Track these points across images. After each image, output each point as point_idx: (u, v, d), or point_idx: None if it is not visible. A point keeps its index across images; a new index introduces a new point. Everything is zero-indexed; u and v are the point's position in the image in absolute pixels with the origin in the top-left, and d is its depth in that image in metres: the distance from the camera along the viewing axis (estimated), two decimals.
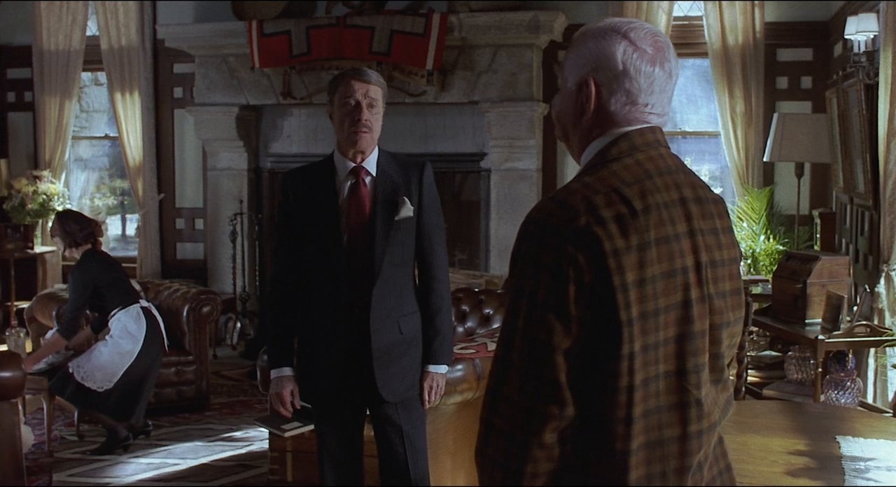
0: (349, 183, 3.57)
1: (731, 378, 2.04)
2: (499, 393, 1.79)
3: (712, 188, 7.69)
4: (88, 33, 9.53)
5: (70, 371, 5.82)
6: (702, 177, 8.19)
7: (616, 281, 1.73)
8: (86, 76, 9.99)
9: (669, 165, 1.89)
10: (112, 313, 5.97)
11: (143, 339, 5.96)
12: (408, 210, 3.55)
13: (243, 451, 5.96)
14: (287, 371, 3.64)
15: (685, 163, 1.97)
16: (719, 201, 1.98)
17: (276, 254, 3.72)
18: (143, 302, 6.15)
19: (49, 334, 6.23)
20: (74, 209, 7.72)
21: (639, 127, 1.90)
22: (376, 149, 3.61)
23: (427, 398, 3.65)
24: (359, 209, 3.55)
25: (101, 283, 5.94)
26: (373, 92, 3.52)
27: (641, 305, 1.74)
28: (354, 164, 3.56)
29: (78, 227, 6.03)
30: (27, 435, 5.01)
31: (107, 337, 5.94)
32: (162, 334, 6.18)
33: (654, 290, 1.76)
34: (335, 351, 3.55)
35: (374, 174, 3.58)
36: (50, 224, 9.32)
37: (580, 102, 1.92)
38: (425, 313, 3.65)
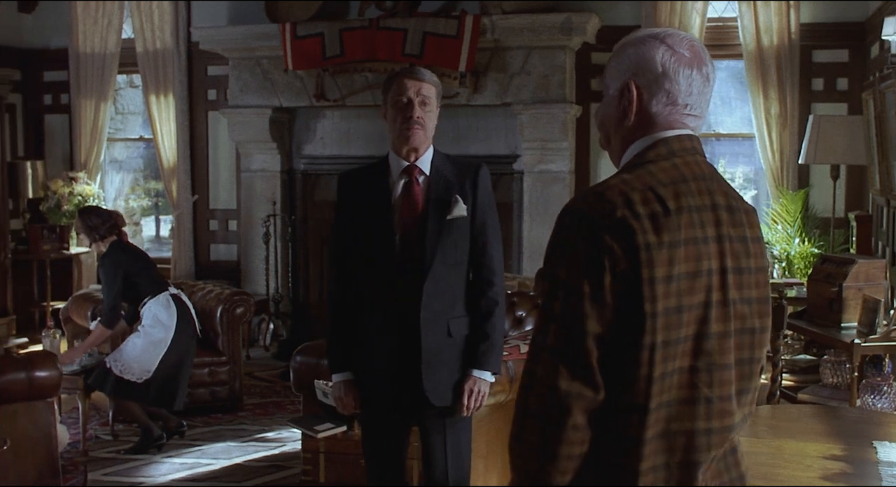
0: (402, 181, 3.53)
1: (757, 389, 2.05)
2: (535, 375, 1.86)
3: (747, 190, 7.58)
4: (124, 36, 9.60)
5: (108, 365, 5.87)
6: (736, 180, 8.18)
7: (645, 273, 1.80)
8: (121, 78, 10.07)
9: (704, 172, 1.96)
10: (143, 302, 6.03)
11: (174, 326, 6.02)
12: (461, 209, 3.50)
13: (276, 452, 5.98)
14: (348, 375, 3.60)
15: (718, 171, 2.02)
16: (751, 211, 2.03)
17: (335, 257, 3.68)
18: (172, 290, 6.19)
19: (92, 325, 6.30)
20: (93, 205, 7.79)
21: (677, 133, 1.98)
22: (431, 148, 3.58)
23: (466, 403, 3.49)
24: (411, 207, 3.51)
25: (130, 272, 6.00)
26: (425, 90, 3.49)
27: (666, 301, 1.82)
28: (408, 163, 3.53)
29: (100, 221, 6.08)
30: (63, 434, 5.05)
31: (138, 327, 6.00)
32: (193, 319, 6.24)
33: (679, 288, 1.83)
34: (386, 352, 3.50)
35: (428, 173, 3.54)
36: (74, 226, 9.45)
37: (622, 106, 2.00)
38: (475, 316, 3.54)
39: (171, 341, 5.98)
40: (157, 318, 6.00)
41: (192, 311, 6.25)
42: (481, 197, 3.58)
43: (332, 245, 3.77)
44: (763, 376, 5.55)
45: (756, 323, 1.97)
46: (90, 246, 6.21)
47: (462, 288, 3.59)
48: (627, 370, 1.81)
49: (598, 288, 1.81)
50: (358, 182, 3.62)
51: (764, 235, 7.32)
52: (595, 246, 1.81)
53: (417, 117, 3.47)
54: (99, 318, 6.14)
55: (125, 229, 6.29)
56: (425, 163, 3.55)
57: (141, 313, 6.03)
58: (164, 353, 5.95)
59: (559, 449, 1.82)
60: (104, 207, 6.58)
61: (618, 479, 1.85)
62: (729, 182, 2.04)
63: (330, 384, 3.71)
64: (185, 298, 6.24)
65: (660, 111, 1.97)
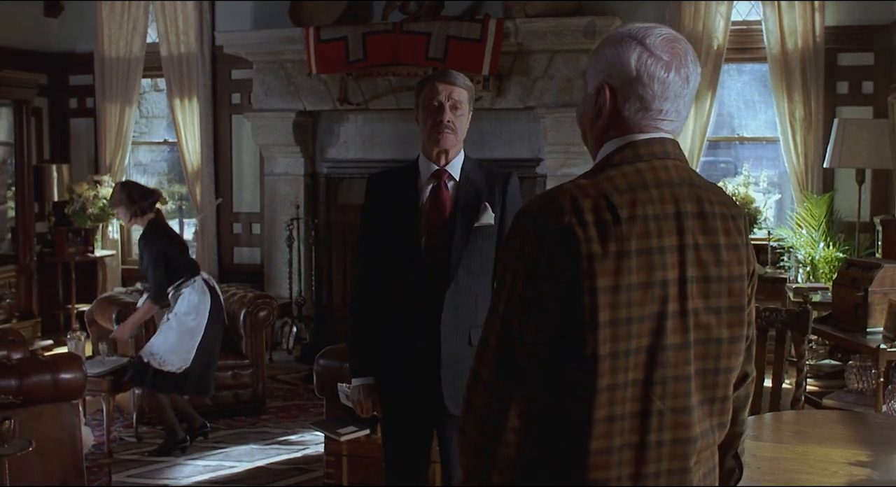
0: (431, 186, 3.52)
1: (729, 397, 2.00)
2: (478, 374, 1.88)
3: (771, 194, 7.48)
4: (148, 40, 9.66)
5: (145, 360, 5.88)
6: (760, 184, 8.11)
7: (586, 283, 1.78)
8: (146, 82, 10.12)
9: (672, 178, 1.91)
10: (177, 284, 6.02)
11: (207, 312, 6.04)
12: (489, 217, 3.49)
13: (299, 455, 6.00)
14: (369, 379, 3.60)
15: (696, 176, 1.97)
16: (731, 217, 1.96)
17: (359, 259, 3.66)
18: (204, 274, 6.22)
19: (140, 302, 6.30)
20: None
21: (648, 136, 1.94)
22: (461, 154, 3.57)
23: None
24: (438, 212, 3.50)
25: (170, 253, 5.99)
26: (457, 94, 3.48)
27: (613, 311, 1.79)
28: (438, 167, 3.53)
29: (142, 195, 6.02)
30: (87, 436, 5.09)
31: (169, 316, 6.01)
32: (223, 306, 6.26)
33: (629, 299, 1.80)
34: (407, 357, 3.50)
35: (458, 178, 3.54)
36: (110, 228, 9.47)
37: (598, 106, 1.97)
38: None
39: (205, 327, 6.00)
40: (192, 305, 6.00)
41: (222, 298, 6.28)
42: (510, 206, 3.56)
43: (357, 246, 3.75)
44: (787, 381, 5.52)
45: (724, 333, 1.91)
46: (128, 222, 6.13)
47: (486, 297, 3.56)
48: (571, 380, 1.80)
49: (538, 294, 1.80)
50: (387, 184, 3.61)
51: (788, 239, 7.23)
52: (538, 251, 1.80)
53: (448, 121, 3.46)
54: (146, 294, 6.15)
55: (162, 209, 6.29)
56: (455, 167, 3.54)
57: (172, 297, 6.04)
58: (200, 340, 5.96)
59: (497, 449, 1.84)
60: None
61: None
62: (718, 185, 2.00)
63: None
64: (214, 283, 6.26)
65: (632, 115, 1.93)
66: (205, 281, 6.13)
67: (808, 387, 5.73)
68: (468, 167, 3.57)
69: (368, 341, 3.60)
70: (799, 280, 7.55)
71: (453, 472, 3.58)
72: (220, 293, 6.25)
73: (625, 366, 1.80)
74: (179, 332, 5.93)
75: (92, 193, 9.31)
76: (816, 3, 7.78)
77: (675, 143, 1.97)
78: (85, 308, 7.92)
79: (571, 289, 1.78)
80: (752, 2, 8.24)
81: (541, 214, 1.84)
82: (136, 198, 5.98)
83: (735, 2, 8.12)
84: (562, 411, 1.82)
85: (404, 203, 3.52)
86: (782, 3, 7.83)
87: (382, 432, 3.74)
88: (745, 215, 2.03)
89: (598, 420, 1.80)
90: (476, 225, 3.48)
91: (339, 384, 4.37)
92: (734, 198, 7.44)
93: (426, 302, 3.46)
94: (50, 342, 8.55)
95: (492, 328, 1.87)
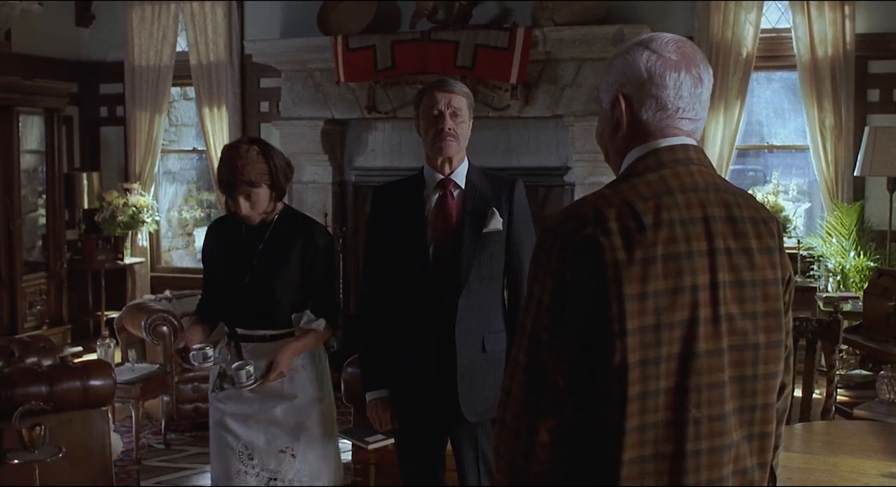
0: (437, 195, 3.54)
1: (774, 405, 1.96)
2: (509, 391, 1.88)
3: (800, 203, 7.41)
4: (178, 49, 9.72)
5: None
6: (790, 192, 8.04)
7: (613, 291, 1.78)
8: (175, 91, 10.19)
9: (697, 183, 1.90)
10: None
11: None
12: (497, 223, 3.50)
13: None
14: (383, 392, 3.60)
15: (722, 181, 1.96)
16: (762, 221, 1.95)
17: (366, 271, 3.68)
18: None
19: (306, 322, 3.95)
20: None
21: (670, 143, 1.94)
22: (466, 162, 3.58)
23: None
24: (445, 221, 3.51)
25: None
26: (455, 101, 3.50)
27: (641, 318, 1.78)
28: (443, 176, 3.54)
29: (286, 165, 3.91)
30: (116, 443, 5.12)
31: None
32: None
33: (657, 305, 1.79)
34: (421, 366, 3.51)
35: (463, 186, 3.55)
36: (139, 235, 9.50)
37: (615, 118, 1.98)
38: (512, 332, 3.48)
39: None
40: None
41: None
42: (517, 212, 3.58)
43: (364, 259, 3.76)
44: (817, 391, 5.46)
45: (761, 339, 1.89)
46: (267, 203, 3.82)
47: (498, 303, 3.58)
48: (601, 391, 1.79)
49: (562, 307, 1.81)
50: (393, 195, 3.63)
51: (818, 248, 7.16)
52: (563, 264, 1.81)
53: (449, 128, 3.48)
54: (313, 316, 3.98)
55: None
56: (460, 176, 3.56)
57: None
58: None
59: (529, 466, 1.83)
60: None
61: None
62: (750, 192, 1.99)
63: None
64: None
65: (651, 118, 1.94)
66: None
67: (839, 398, 5.67)
68: (473, 175, 3.59)
69: (379, 355, 3.61)
70: (829, 289, 7.49)
71: (468, 476, 3.58)
72: None
73: (655, 374, 1.79)
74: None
75: (121, 201, 9.38)
76: (847, 10, 7.73)
77: (698, 149, 1.96)
78: (114, 315, 7.97)
79: (597, 300, 1.78)
80: (782, 9, 8.20)
81: (562, 227, 1.85)
82: (280, 167, 3.84)
83: (765, 7, 8.08)
84: (593, 423, 1.81)
85: (411, 213, 3.54)
86: (812, 10, 7.78)
87: (396, 440, 3.74)
88: (777, 219, 2.01)
89: (631, 429, 1.78)
90: (485, 230, 3.49)
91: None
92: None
93: (438, 311, 3.48)
94: (79, 349, 8.64)
95: (521, 344, 1.87)
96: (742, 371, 1.87)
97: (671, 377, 1.80)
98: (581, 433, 1.82)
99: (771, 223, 1.97)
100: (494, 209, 3.51)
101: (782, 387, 2.04)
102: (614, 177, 1.98)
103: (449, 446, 3.69)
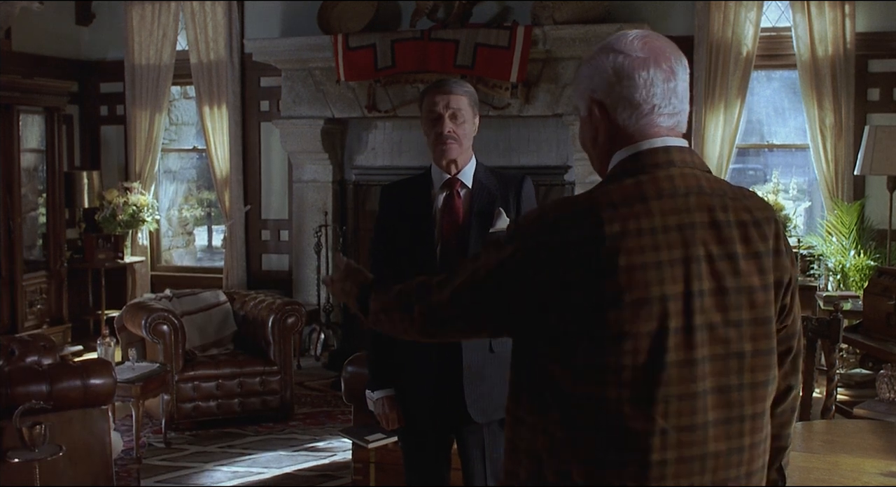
0: (444, 194, 3.53)
1: (764, 412, 1.92)
2: (517, 416, 1.93)
3: (801, 202, 7.40)
4: (178, 48, 9.72)
5: None
6: (790, 191, 8.02)
7: (562, 301, 1.79)
8: (175, 90, 10.19)
9: (676, 188, 1.85)
10: None
11: None
12: (504, 222, 3.48)
13: (326, 461, 6.01)
14: (390, 391, 3.60)
15: (710, 182, 1.90)
16: (753, 224, 1.89)
17: (373, 271, 3.68)
18: None
19: None
20: None
21: (651, 145, 1.90)
22: (473, 161, 3.57)
23: None
24: (452, 220, 3.50)
25: None
26: (454, 102, 3.47)
27: (600, 330, 1.77)
28: (449, 176, 3.54)
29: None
30: (117, 442, 5.12)
31: None
32: None
33: (619, 316, 1.76)
34: (427, 367, 3.50)
35: (470, 186, 3.54)
36: (139, 234, 9.50)
37: (594, 125, 1.96)
38: None
39: None
40: None
41: None
42: (525, 208, 3.56)
43: (370, 258, 3.74)
44: (817, 390, 5.47)
45: (746, 347, 1.84)
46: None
47: None
48: (562, 396, 1.82)
49: (492, 291, 1.89)
50: (401, 194, 3.62)
51: (818, 247, 7.16)
52: (515, 263, 1.86)
53: (448, 131, 3.46)
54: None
55: None
56: (467, 175, 3.54)
57: None
58: None
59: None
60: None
61: None
62: (748, 191, 1.95)
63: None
64: None
65: (627, 120, 1.90)
66: None
67: (839, 397, 5.68)
68: (480, 174, 3.56)
69: (387, 353, 3.60)
70: (829, 288, 7.50)
71: (474, 477, 3.58)
72: None
73: (616, 382, 1.77)
74: None
75: (122, 200, 9.38)
76: (847, 9, 7.73)
77: (683, 150, 1.91)
78: (114, 314, 7.96)
79: (547, 305, 1.80)
80: (782, 8, 8.20)
81: (529, 226, 1.89)
82: None
83: (765, 6, 8.08)
84: (551, 426, 1.84)
85: (418, 212, 3.52)
86: (812, 9, 7.79)
87: (402, 440, 3.73)
88: (777, 219, 1.95)
89: (582, 437, 1.82)
90: (491, 230, 3.47)
91: (367, 391, 4.37)
92: None
93: None
94: (80, 347, 8.63)
95: (463, 268, 1.99)
96: (726, 380, 1.83)
97: (636, 386, 1.77)
98: (542, 434, 1.85)
99: (766, 225, 1.90)
100: (501, 209, 3.49)
101: (789, 389, 2.02)
102: None
103: (454, 447, 3.69)
